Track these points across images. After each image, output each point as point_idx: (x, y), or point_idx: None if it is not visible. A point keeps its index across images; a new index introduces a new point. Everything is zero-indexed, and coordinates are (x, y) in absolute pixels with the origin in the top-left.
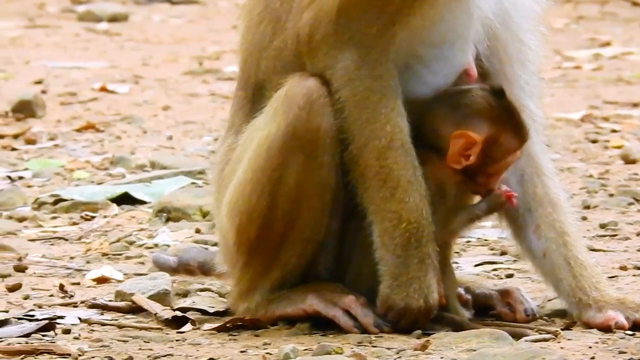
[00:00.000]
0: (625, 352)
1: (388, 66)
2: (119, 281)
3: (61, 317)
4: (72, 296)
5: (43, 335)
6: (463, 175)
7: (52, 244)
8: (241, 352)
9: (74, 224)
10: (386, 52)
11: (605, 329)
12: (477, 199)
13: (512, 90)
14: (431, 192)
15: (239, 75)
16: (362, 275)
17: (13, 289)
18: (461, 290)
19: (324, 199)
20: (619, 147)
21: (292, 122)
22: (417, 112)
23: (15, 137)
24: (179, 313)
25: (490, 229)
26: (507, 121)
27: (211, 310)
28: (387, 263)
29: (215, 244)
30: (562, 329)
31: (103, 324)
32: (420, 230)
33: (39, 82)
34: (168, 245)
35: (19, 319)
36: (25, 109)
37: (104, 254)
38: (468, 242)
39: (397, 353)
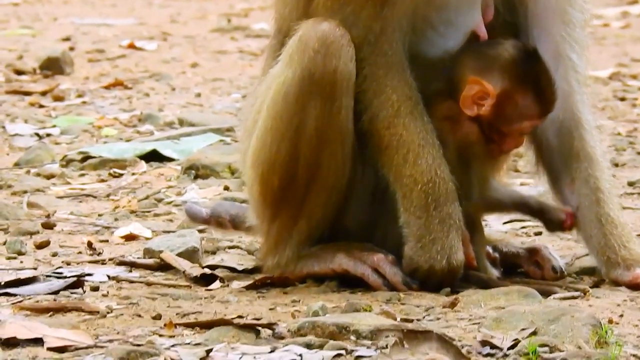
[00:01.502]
0: None
1: (391, 42)
2: (147, 238)
3: (89, 275)
4: (100, 253)
5: (72, 293)
6: (478, 126)
7: (80, 201)
8: (270, 309)
9: (102, 181)
10: (385, 30)
11: (634, 287)
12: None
13: (551, 41)
14: (453, 156)
15: (272, 25)
16: (391, 233)
17: (41, 246)
18: (489, 249)
19: (345, 142)
20: None
21: (307, 66)
22: (444, 67)
23: (43, 94)
24: (207, 270)
25: (520, 187)
26: (529, 84)
27: (240, 268)
28: (409, 226)
29: (244, 201)
30: (590, 287)
31: (131, 282)
32: (438, 191)
33: (67, 39)
34: (196, 202)
35: (48, 276)
36: (53, 66)
37: (132, 211)
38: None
39: (426, 311)
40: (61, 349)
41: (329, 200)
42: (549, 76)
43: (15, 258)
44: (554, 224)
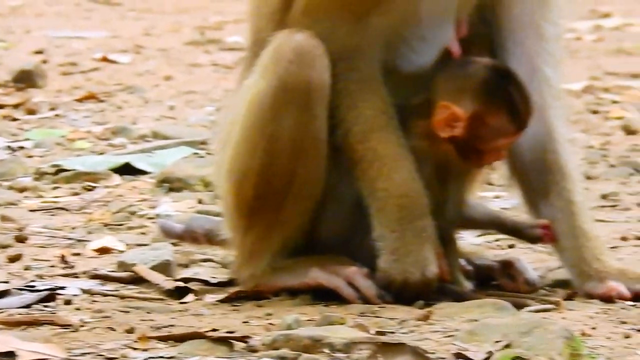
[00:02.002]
0: (626, 322)
1: (365, 58)
2: (121, 251)
3: (62, 288)
4: (73, 267)
5: (44, 306)
6: (453, 145)
7: (53, 215)
8: (243, 322)
9: (75, 194)
10: (359, 47)
11: (607, 299)
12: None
13: (525, 55)
14: (429, 170)
15: (247, 37)
16: (366, 244)
17: (14, 259)
18: (463, 262)
19: (320, 152)
20: (619, 118)
21: (282, 76)
22: (418, 82)
23: (16, 107)
24: (181, 283)
25: (493, 200)
26: (501, 104)
27: (213, 281)
28: (383, 239)
29: (217, 215)
30: (564, 299)
31: (104, 295)
32: (412, 204)
33: (40, 52)
34: (170, 216)
35: (20, 289)
36: (26, 79)
37: (106, 225)
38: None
39: (400, 323)
40: None
41: (303, 211)
42: (523, 93)
43: None
44: (531, 241)
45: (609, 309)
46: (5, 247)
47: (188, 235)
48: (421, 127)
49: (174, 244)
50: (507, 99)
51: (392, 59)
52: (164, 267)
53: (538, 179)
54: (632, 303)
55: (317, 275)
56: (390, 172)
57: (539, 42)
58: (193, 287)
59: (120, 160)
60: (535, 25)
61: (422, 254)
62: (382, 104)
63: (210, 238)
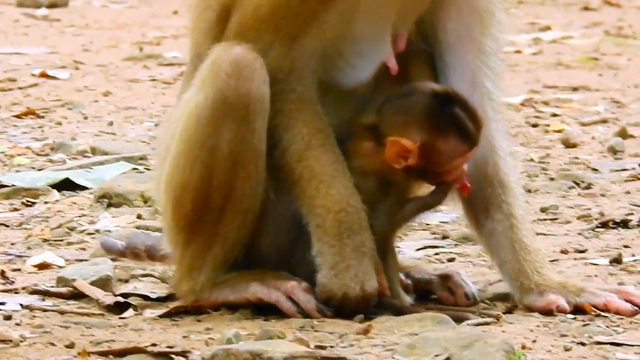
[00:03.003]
0: (566, 335)
1: (300, 79)
2: (60, 267)
3: (2, 304)
4: (13, 282)
5: None
6: (411, 173)
7: None
8: (183, 337)
9: (15, 210)
10: (294, 68)
11: (547, 312)
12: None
13: (466, 69)
14: (374, 184)
15: (189, 51)
16: (305, 259)
17: None
18: (402, 275)
19: (259, 165)
20: (559, 131)
21: (220, 90)
22: (357, 97)
23: None
24: (121, 299)
25: (433, 213)
26: (448, 129)
27: (153, 296)
28: (323, 254)
29: (157, 230)
30: (503, 313)
31: (44, 310)
32: (350, 219)
33: None
34: (109, 231)
35: None
36: None
37: (45, 240)
38: (410, 226)
39: (340, 337)
40: None
41: (243, 224)
42: (469, 110)
43: None
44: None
45: (549, 322)
46: None
47: (129, 252)
48: (368, 147)
49: (114, 259)
50: (452, 122)
51: (330, 75)
52: (103, 283)
53: (479, 192)
54: (572, 316)
55: (257, 290)
56: (328, 189)
57: (478, 57)
58: (133, 302)
59: (60, 176)
60: (475, 40)
61: (361, 268)
62: (319, 122)
63: (151, 254)
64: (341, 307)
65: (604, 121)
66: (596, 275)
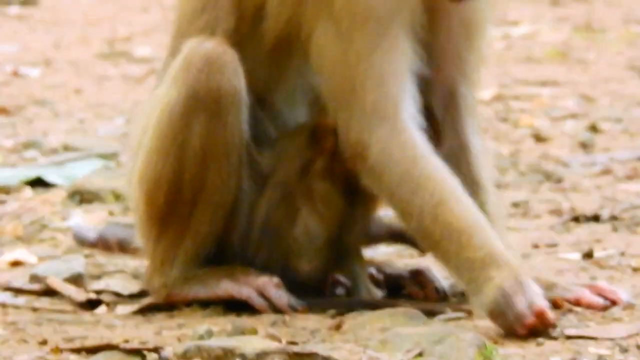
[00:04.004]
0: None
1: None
2: (33, 264)
3: None
4: None
5: None
6: None
7: None
8: (156, 333)
9: None
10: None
11: None
12: None
13: (444, 79)
14: (338, 189)
15: (169, 46)
16: (275, 256)
17: None
18: (373, 270)
19: (231, 159)
20: (529, 126)
21: (192, 85)
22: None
23: None
24: (93, 295)
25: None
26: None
27: (125, 292)
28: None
29: (129, 226)
30: None
31: (17, 307)
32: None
33: None
34: (84, 227)
35: None
36: None
37: (18, 237)
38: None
39: (312, 333)
40: None
41: (214, 218)
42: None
43: None
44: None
45: None
46: None
47: (101, 244)
48: (330, 149)
49: (86, 256)
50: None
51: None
52: (76, 279)
53: None
54: None
55: (228, 287)
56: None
57: (460, 69)
58: (105, 299)
59: (32, 173)
60: (459, 54)
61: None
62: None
63: (123, 247)
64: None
65: (574, 116)
66: (568, 270)
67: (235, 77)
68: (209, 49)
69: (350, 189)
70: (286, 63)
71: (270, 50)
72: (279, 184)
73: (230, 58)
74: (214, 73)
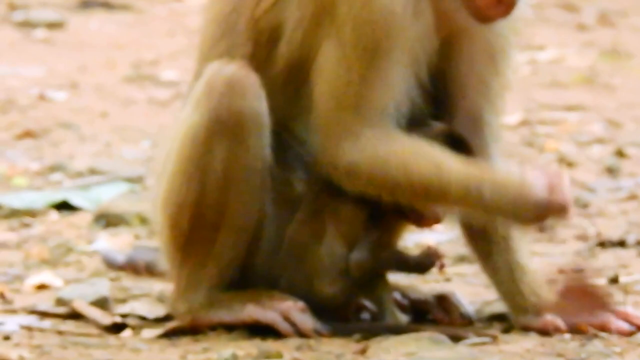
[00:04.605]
0: (563, 355)
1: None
2: (59, 287)
3: (1, 324)
4: (11, 302)
5: None
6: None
7: None
8: (181, 357)
9: (13, 230)
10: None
11: (544, 332)
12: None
13: (471, 107)
14: (364, 210)
15: (194, 70)
16: (299, 279)
17: None
18: (398, 295)
19: (253, 183)
20: (555, 151)
21: (214, 109)
22: None
23: None
24: (118, 319)
25: (429, 233)
26: None
27: (151, 316)
28: None
29: (155, 250)
30: (500, 333)
31: (43, 331)
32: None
33: None
34: (112, 250)
35: None
36: None
37: (43, 260)
38: (405, 247)
39: (337, 357)
40: None
41: (237, 242)
42: (468, 151)
43: None
44: (421, 271)
45: (545, 342)
46: None
47: (130, 266)
48: None
49: (112, 279)
50: None
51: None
52: (101, 303)
53: None
54: (569, 336)
55: (253, 312)
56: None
57: (485, 95)
58: (130, 322)
59: (58, 196)
60: (484, 81)
61: None
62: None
63: (151, 270)
64: None
65: (600, 141)
66: None
67: (257, 100)
68: (230, 73)
69: (376, 213)
70: (300, 90)
71: (284, 76)
72: (308, 204)
73: (252, 81)
74: (236, 97)
